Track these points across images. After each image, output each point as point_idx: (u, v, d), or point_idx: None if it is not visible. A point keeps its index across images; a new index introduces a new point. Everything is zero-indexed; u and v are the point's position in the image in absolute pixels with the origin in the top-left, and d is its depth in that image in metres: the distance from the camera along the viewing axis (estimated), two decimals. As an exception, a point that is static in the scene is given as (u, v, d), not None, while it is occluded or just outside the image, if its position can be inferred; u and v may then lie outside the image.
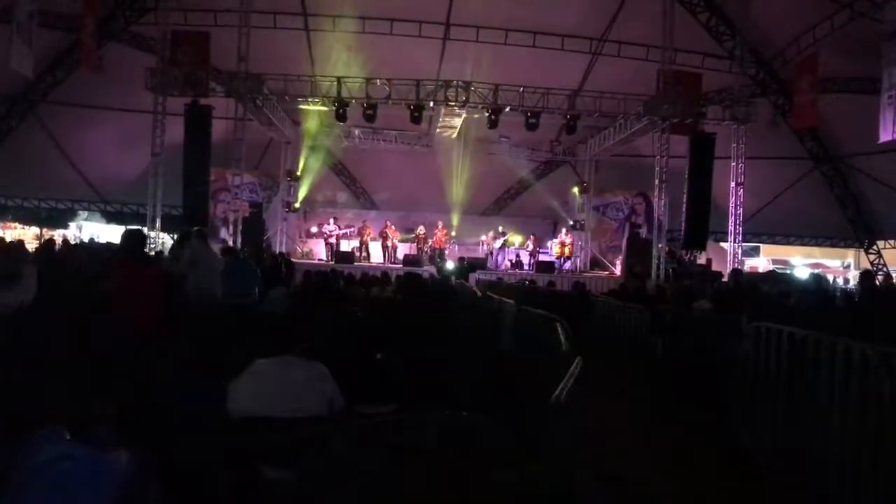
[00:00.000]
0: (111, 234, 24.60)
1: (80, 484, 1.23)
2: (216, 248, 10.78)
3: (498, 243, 25.49)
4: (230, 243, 20.42)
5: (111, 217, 27.26)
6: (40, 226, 27.59)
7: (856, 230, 27.15)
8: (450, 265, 22.00)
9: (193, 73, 19.30)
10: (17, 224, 28.03)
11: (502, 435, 2.28)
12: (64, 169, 25.25)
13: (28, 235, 25.77)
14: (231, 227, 21.90)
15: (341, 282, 11.70)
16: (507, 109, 20.81)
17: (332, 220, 25.10)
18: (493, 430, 2.22)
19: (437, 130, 24.36)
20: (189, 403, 3.14)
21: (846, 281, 28.85)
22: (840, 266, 32.86)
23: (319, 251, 25.70)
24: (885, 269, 27.27)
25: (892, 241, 27.02)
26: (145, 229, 18.56)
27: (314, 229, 26.63)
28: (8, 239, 20.24)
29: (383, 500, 2.34)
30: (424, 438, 2.30)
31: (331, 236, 24.79)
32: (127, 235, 6.47)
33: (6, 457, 1.33)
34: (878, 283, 16.76)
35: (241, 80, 19.32)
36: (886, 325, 6.24)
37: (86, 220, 27.45)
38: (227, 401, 3.64)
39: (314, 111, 22.82)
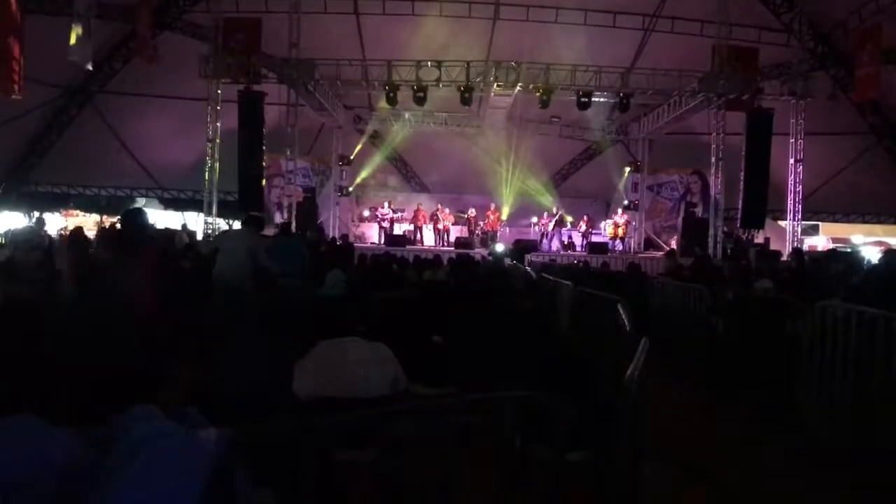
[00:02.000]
0: (169, 220, 25.14)
1: (177, 462, 1.25)
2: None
3: (551, 225, 25.30)
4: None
5: (168, 203, 27.89)
6: (100, 213, 28.37)
7: (920, 206, 26.25)
8: (501, 247, 21.94)
9: (246, 60, 19.52)
10: (78, 211, 28.89)
11: (574, 415, 2.26)
12: (122, 157, 25.80)
13: (89, 222, 26.54)
14: (285, 212, 22.18)
15: (395, 265, 11.76)
16: (558, 89, 20.58)
17: (386, 204, 25.21)
18: (565, 409, 2.20)
19: (488, 112, 24.21)
20: (258, 384, 3.19)
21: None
22: (903, 244, 31.85)
23: (372, 235, 25.89)
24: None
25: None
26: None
27: (367, 213, 26.82)
28: (70, 226, 20.87)
29: (455, 480, 2.34)
30: (495, 418, 2.30)
31: (384, 219, 24.91)
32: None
33: (100, 436, 1.35)
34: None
35: (293, 66, 19.45)
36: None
37: (144, 206, 28.05)
38: (294, 382, 3.70)
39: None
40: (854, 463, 4.90)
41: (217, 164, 20.14)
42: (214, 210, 20.42)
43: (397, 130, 26.12)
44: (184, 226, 21.24)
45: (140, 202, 27.88)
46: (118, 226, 7.73)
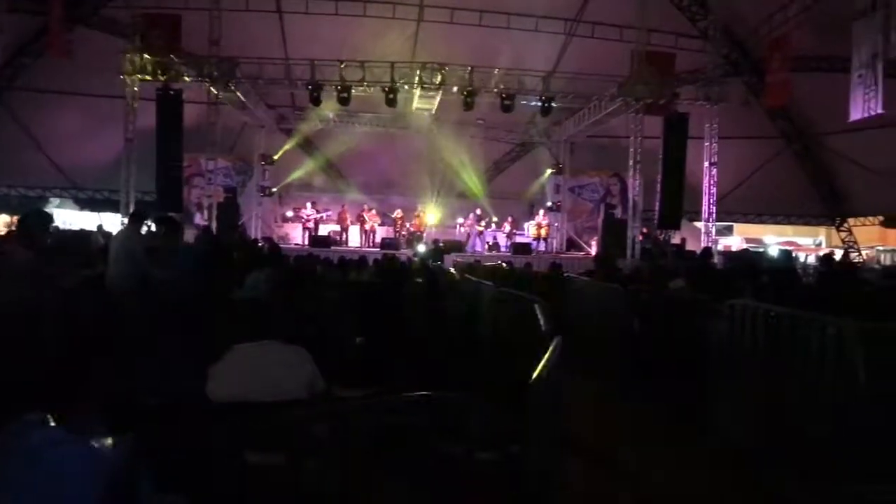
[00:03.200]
0: (85, 220, 24.32)
1: (71, 471, 1.23)
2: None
3: (478, 227, 25.53)
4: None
5: (84, 204, 26.95)
6: (11, 213, 27.20)
7: (827, 208, 27.53)
8: (426, 248, 22.00)
9: (165, 58, 19.04)
10: (-13, 212, 27.65)
11: (487, 415, 2.30)
12: (34, 155, 24.80)
13: (-1, 223, 25.46)
14: (206, 213, 21.74)
15: (319, 266, 11.67)
16: (482, 91, 20.77)
17: (309, 205, 24.97)
18: (478, 409, 2.24)
19: (414, 113, 24.23)
20: (172, 389, 3.14)
21: (817, 258, 29.23)
22: (812, 244, 33.28)
23: (296, 236, 25.60)
24: (855, 245, 27.71)
25: (862, 219, 27.43)
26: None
27: (290, 214, 26.49)
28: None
29: (368, 482, 2.35)
30: (409, 420, 2.32)
31: (308, 220, 24.67)
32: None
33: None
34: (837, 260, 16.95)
35: (214, 64, 19.09)
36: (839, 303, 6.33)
37: (58, 206, 27.09)
38: (208, 385, 3.64)
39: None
40: (758, 452, 5.11)
41: (134, 164, 19.57)
42: (132, 211, 19.82)
43: (321, 131, 25.89)
44: (100, 227, 20.53)
45: (54, 202, 26.92)
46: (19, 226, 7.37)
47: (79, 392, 2.09)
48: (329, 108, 22.77)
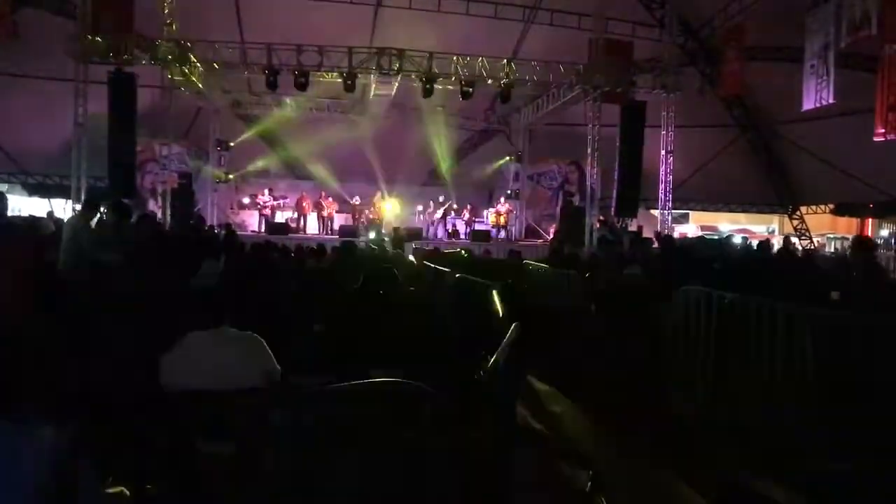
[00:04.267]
0: (34, 207, 23.71)
1: (9, 459, 1.19)
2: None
3: (439, 214, 25.53)
4: (159, 215, 19.99)
5: (33, 189, 26.27)
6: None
7: (780, 196, 28.09)
8: (386, 236, 21.93)
9: (116, 40, 18.57)
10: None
11: (442, 402, 2.30)
12: (-22, 139, 24.11)
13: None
14: (160, 199, 21.37)
15: (275, 254, 11.55)
16: (441, 78, 20.70)
17: (266, 191, 24.69)
18: (432, 396, 2.23)
19: (372, 99, 24.05)
20: (122, 378, 3.08)
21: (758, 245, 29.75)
22: (765, 231, 33.93)
23: (252, 223, 25.29)
24: (807, 233, 28.34)
25: (814, 207, 28.05)
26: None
27: (246, 200, 26.15)
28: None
29: (322, 470, 2.34)
30: (364, 407, 2.31)
31: (265, 207, 24.40)
32: None
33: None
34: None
35: (167, 46, 18.71)
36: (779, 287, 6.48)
37: (6, 192, 26.35)
38: (161, 375, 3.58)
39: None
40: (712, 435, 5.21)
41: (85, 149, 19.12)
42: (83, 197, 19.39)
43: (279, 116, 25.60)
44: (50, 213, 20.04)
45: (2, 188, 26.19)
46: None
47: (21, 381, 2.03)
48: (287, 92, 22.50)
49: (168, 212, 20.45)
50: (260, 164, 26.58)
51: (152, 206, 22.29)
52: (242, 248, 12.95)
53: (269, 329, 4.14)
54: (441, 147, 26.29)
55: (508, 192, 27.02)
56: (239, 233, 20.93)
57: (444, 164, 27.05)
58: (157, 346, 3.62)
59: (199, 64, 20.11)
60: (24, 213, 21.57)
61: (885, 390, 4.46)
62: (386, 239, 20.89)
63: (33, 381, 1.89)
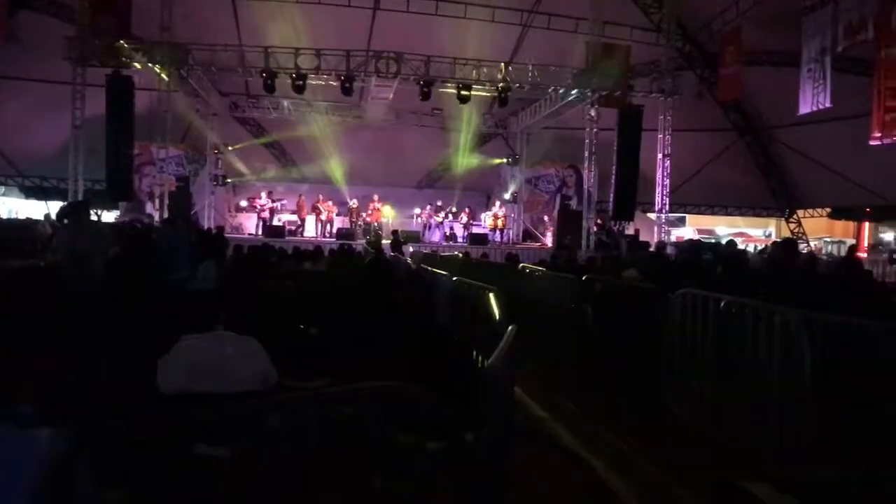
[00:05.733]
0: (31, 209, 23.71)
1: (6, 462, 1.19)
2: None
3: (438, 217, 25.55)
4: (156, 218, 19.98)
5: (30, 192, 26.25)
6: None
7: (777, 200, 28.15)
8: (384, 238, 21.92)
9: (114, 43, 18.58)
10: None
11: (438, 405, 2.30)
12: (-23, 142, 24.07)
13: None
14: (157, 202, 21.35)
15: (273, 257, 11.53)
16: (439, 81, 20.71)
17: (264, 194, 24.68)
18: (428, 400, 2.23)
19: (370, 103, 24.06)
20: (119, 380, 3.07)
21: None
22: (762, 235, 33.97)
23: (249, 226, 25.28)
24: (804, 237, 28.40)
25: (811, 210, 28.11)
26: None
27: (244, 203, 26.14)
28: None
29: (319, 474, 2.33)
30: (360, 411, 2.31)
31: (263, 210, 24.38)
32: None
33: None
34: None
35: (165, 50, 18.72)
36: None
37: (3, 195, 26.38)
38: (158, 377, 3.57)
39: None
40: (710, 438, 5.21)
41: (83, 152, 19.12)
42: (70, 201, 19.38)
43: (276, 120, 25.61)
44: (47, 216, 20.03)
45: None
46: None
47: (18, 382, 2.03)
48: (284, 95, 22.51)
49: (165, 214, 20.41)
50: (257, 166, 26.53)
51: (149, 208, 22.28)
52: (238, 251, 12.94)
53: (266, 331, 4.13)
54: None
55: (506, 196, 27.06)
56: (236, 236, 20.95)
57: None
58: (153, 348, 3.62)
59: (196, 67, 20.10)
60: (21, 216, 21.63)
61: (881, 392, 4.47)
62: (384, 242, 20.88)
63: (30, 380, 1.89)
